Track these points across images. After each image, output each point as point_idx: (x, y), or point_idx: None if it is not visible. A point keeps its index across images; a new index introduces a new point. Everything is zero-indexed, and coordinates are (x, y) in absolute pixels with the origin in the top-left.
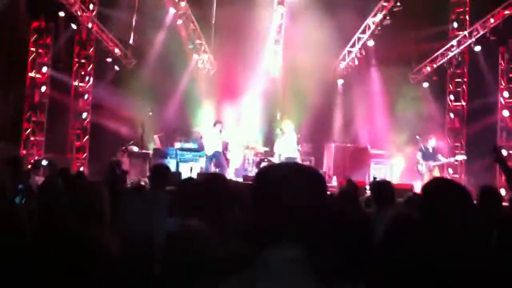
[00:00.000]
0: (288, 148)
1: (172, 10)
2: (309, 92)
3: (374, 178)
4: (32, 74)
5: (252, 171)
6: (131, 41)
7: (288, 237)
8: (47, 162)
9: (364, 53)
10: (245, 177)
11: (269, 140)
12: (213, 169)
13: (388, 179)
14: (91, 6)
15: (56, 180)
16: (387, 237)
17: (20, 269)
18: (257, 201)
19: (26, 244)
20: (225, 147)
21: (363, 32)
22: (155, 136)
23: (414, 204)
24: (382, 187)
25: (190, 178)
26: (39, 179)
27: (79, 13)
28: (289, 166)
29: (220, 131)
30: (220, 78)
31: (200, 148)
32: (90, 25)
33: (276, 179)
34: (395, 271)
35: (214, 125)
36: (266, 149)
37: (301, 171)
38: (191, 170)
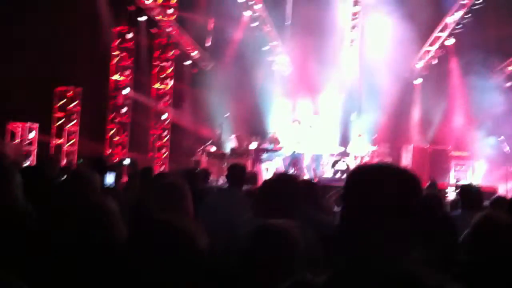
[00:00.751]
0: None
1: (247, 13)
2: (386, 92)
3: (457, 180)
4: (115, 77)
5: (327, 172)
6: (208, 44)
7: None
8: (129, 162)
9: (443, 52)
10: (321, 178)
11: (345, 140)
12: (290, 170)
13: (470, 181)
14: (170, 10)
15: (137, 180)
16: (477, 239)
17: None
18: (349, 201)
19: (117, 241)
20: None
21: (442, 30)
22: (233, 136)
23: (501, 207)
24: (470, 191)
25: (268, 179)
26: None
27: (159, 17)
28: (385, 167)
29: (299, 130)
30: (296, 78)
31: (276, 149)
32: (169, 29)
33: (369, 179)
34: (485, 273)
35: (290, 124)
36: (342, 149)
37: (396, 172)
38: (266, 170)
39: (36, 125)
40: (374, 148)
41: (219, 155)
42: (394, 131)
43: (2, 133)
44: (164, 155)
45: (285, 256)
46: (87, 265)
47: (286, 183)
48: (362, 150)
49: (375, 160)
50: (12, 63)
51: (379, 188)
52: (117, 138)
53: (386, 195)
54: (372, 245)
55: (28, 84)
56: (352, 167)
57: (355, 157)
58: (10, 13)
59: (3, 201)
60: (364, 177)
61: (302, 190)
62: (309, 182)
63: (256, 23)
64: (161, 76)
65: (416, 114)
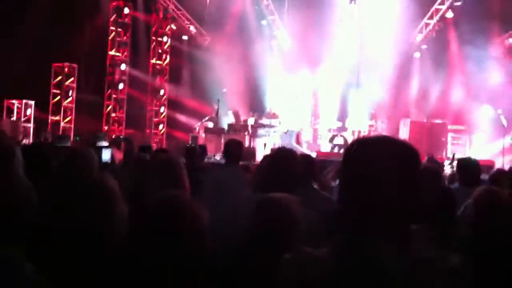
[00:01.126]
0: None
1: None
2: (384, 66)
3: (453, 154)
4: (112, 53)
5: (325, 146)
6: (205, 19)
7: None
8: (124, 139)
9: (442, 25)
10: (318, 153)
11: (343, 114)
12: (287, 145)
13: (467, 155)
14: None
15: (135, 155)
16: (479, 213)
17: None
18: (348, 175)
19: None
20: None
21: (441, 3)
22: (230, 112)
23: (501, 181)
24: (468, 165)
25: (269, 154)
26: (120, 155)
27: None
28: (384, 140)
29: (295, 108)
30: (295, 53)
31: (273, 124)
32: (166, 4)
33: (369, 153)
34: (487, 247)
35: (290, 102)
36: (339, 124)
37: (395, 145)
38: (264, 146)
39: (32, 102)
40: (372, 122)
41: (217, 131)
42: (393, 106)
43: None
44: (162, 131)
45: (286, 229)
46: (89, 244)
47: (286, 158)
48: (360, 125)
49: (373, 134)
50: (10, 39)
51: (378, 161)
52: (114, 114)
53: (386, 168)
54: (372, 219)
55: (25, 61)
56: (350, 141)
57: (353, 132)
58: None
59: (5, 179)
60: (363, 150)
61: (301, 165)
62: (308, 157)
63: None
64: (158, 51)
65: (414, 88)
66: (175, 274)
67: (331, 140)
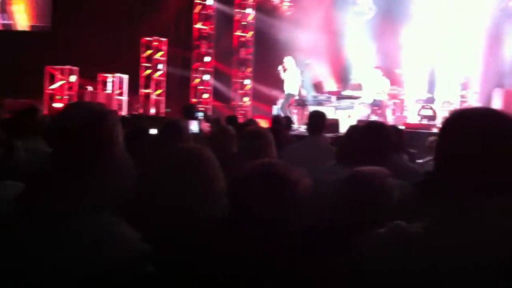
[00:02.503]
0: (289, 84)
1: None
2: (475, 32)
3: None
4: (198, 26)
5: (413, 119)
6: None
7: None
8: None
9: None
10: (405, 124)
11: (431, 85)
12: (372, 117)
13: None
14: None
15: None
16: None
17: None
18: (449, 148)
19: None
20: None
21: None
22: (313, 83)
23: None
24: None
25: (355, 126)
26: (206, 126)
27: None
28: (489, 112)
29: (380, 78)
30: (378, 23)
31: (358, 95)
32: None
33: (474, 124)
34: None
35: (373, 72)
36: (429, 95)
37: (503, 117)
38: (348, 117)
39: (126, 76)
40: (463, 92)
41: (301, 103)
42: (484, 75)
43: (96, 83)
44: (247, 103)
45: (380, 202)
46: (191, 217)
47: (377, 130)
48: (450, 96)
49: (464, 106)
50: (101, 15)
51: (485, 134)
52: (201, 87)
53: (494, 142)
54: (478, 195)
55: (115, 37)
56: (439, 113)
57: (443, 103)
58: None
59: (110, 148)
60: (468, 122)
61: (391, 137)
62: (396, 128)
63: None
64: (243, 24)
65: (508, 56)
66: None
67: (419, 111)
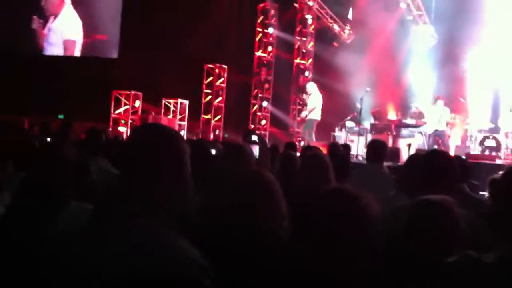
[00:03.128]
0: (314, 110)
1: None
2: None
3: None
4: (258, 53)
5: (475, 149)
6: (349, 17)
7: None
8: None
9: None
10: (468, 155)
11: (495, 115)
12: (433, 146)
13: None
14: None
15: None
16: None
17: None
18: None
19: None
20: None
21: None
22: (372, 111)
23: None
24: None
25: (416, 155)
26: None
27: None
28: None
29: (442, 107)
30: (441, 52)
31: (418, 124)
32: (311, 3)
33: None
34: None
35: (435, 101)
36: (492, 125)
37: None
38: (409, 146)
39: (187, 102)
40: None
41: (359, 131)
42: None
43: (159, 108)
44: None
45: (448, 230)
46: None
47: (439, 159)
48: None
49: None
50: (165, 46)
51: None
52: (259, 113)
53: None
54: None
55: (179, 64)
56: (503, 143)
57: (506, 133)
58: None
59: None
60: None
61: (455, 167)
62: (461, 159)
63: None
64: (302, 51)
65: None
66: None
67: (482, 142)
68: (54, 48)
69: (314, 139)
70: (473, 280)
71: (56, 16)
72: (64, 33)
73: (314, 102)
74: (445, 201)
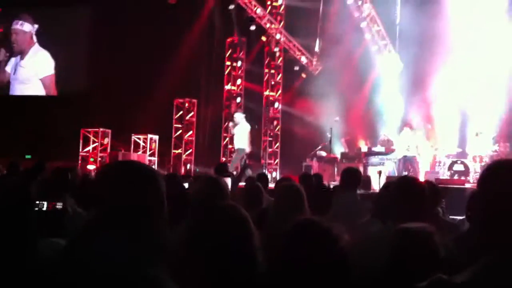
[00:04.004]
0: (239, 139)
1: (355, 13)
2: (508, 85)
3: None
4: (228, 87)
5: (444, 174)
6: (316, 49)
7: None
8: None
9: None
10: (438, 180)
11: (463, 140)
12: (403, 173)
13: None
14: (278, 18)
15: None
16: None
17: None
18: (490, 200)
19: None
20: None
21: None
22: (342, 140)
23: None
24: None
25: (388, 182)
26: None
27: (268, 25)
28: None
29: (410, 134)
30: (407, 79)
31: (387, 151)
32: (278, 36)
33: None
34: None
35: (401, 129)
36: (459, 150)
37: None
38: (379, 174)
39: (157, 137)
40: (495, 147)
41: (330, 160)
42: None
43: (128, 144)
44: (276, 161)
45: (431, 259)
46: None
47: (409, 184)
48: (482, 150)
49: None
50: (133, 80)
51: None
52: (230, 146)
53: None
54: None
55: (148, 99)
56: (471, 168)
57: (474, 158)
58: (129, 29)
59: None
60: (508, 173)
61: (425, 191)
62: (433, 185)
63: (365, 24)
64: (271, 84)
65: None
66: None
67: (451, 167)
68: (23, 85)
69: (238, 167)
70: None
71: (24, 54)
72: (39, 71)
73: (242, 131)
74: (425, 230)
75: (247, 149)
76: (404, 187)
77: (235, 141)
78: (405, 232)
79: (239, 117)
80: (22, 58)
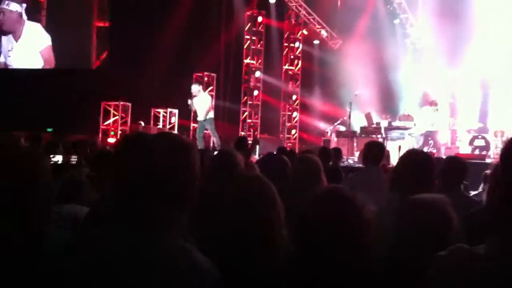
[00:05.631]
0: (203, 110)
1: None
2: None
3: None
4: (247, 61)
5: (463, 149)
6: (336, 22)
7: None
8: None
9: None
10: (458, 155)
11: (484, 115)
12: (424, 148)
13: None
14: None
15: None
16: None
17: None
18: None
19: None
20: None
21: None
22: (362, 115)
23: None
24: None
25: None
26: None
27: None
28: None
29: (435, 110)
30: (429, 53)
31: (408, 127)
32: (298, 10)
33: None
34: None
35: (423, 104)
36: (481, 125)
37: None
38: (399, 148)
39: (176, 111)
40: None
41: (349, 134)
42: None
43: (148, 119)
44: (294, 135)
45: (441, 230)
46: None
47: (426, 160)
48: (503, 125)
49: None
50: (154, 52)
51: None
52: (249, 120)
53: None
54: None
55: (168, 72)
56: (492, 143)
57: (495, 133)
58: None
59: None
60: None
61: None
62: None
63: None
64: (291, 57)
65: None
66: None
67: (471, 142)
68: (25, 61)
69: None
70: (461, 271)
71: (16, 34)
72: (37, 44)
73: (203, 102)
74: (439, 201)
75: (212, 116)
76: (415, 161)
77: (199, 113)
78: (415, 202)
79: (196, 89)
80: (16, 40)
